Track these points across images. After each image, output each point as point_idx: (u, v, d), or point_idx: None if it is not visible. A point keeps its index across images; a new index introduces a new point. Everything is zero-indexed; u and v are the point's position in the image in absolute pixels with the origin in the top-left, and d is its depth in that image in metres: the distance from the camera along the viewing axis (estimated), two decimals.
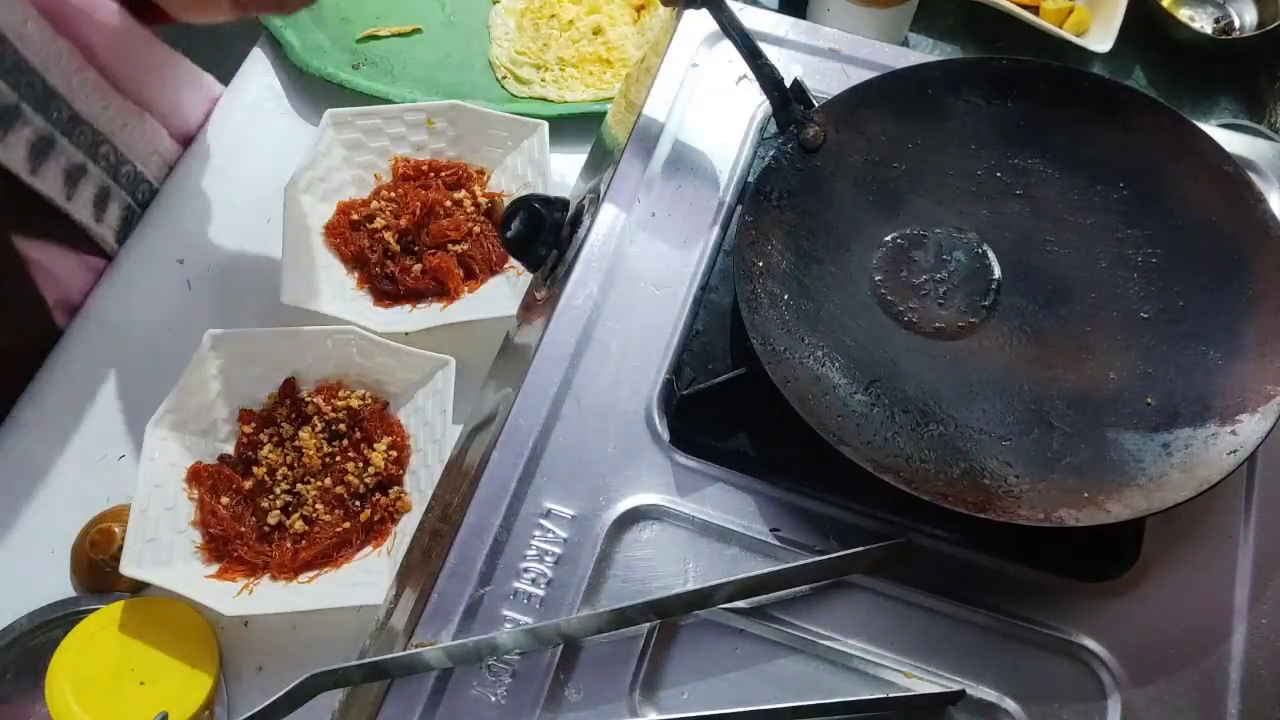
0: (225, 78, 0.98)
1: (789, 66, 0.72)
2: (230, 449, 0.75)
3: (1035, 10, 0.98)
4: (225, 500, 0.71)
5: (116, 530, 0.69)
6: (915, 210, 0.67)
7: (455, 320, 0.79)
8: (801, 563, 0.55)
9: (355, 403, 0.76)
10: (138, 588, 0.67)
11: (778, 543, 0.57)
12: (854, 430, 0.58)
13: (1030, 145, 0.68)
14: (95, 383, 0.80)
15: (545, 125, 0.86)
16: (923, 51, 0.97)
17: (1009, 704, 0.53)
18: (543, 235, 0.64)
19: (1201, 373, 0.60)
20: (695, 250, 0.64)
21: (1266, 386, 0.57)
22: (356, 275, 0.84)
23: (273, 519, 0.70)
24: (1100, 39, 0.94)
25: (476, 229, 0.85)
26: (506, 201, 0.83)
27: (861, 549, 0.55)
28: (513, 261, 0.83)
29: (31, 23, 0.72)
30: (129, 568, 0.64)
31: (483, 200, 0.86)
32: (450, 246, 0.84)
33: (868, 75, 0.69)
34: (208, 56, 0.98)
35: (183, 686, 0.62)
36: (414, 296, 0.83)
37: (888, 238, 0.66)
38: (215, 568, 0.68)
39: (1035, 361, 0.62)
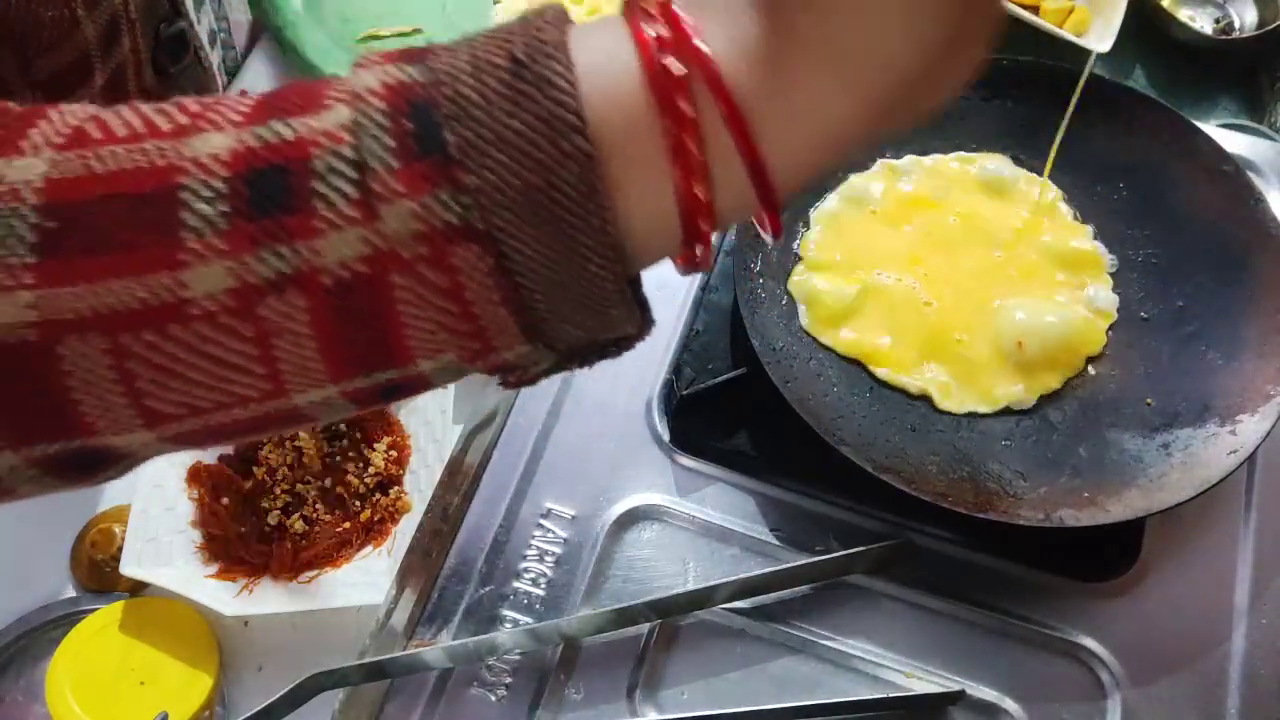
0: None
1: None
2: (230, 449, 0.75)
3: (1035, 10, 0.98)
4: (225, 500, 0.71)
5: (116, 530, 0.68)
6: None
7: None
8: (801, 563, 0.55)
9: None
10: (138, 588, 0.67)
11: (778, 543, 0.57)
12: (854, 430, 0.58)
13: (1030, 145, 0.68)
14: None
15: None
16: None
17: (1009, 704, 0.53)
18: None
19: (1201, 373, 0.60)
20: None
21: (1266, 386, 0.57)
22: None
23: (273, 519, 0.70)
24: (1100, 39, 0.94)
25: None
26: None
27: (861, 549, 0.55)
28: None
29: None
30: (129, 568, 0.64)
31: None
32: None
33: None
34: None
35: (183, 686, 0.62)
36: None
37: None
38: (215, 568, 0.68)
39: None
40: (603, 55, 0.27)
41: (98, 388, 0.28)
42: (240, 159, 0.27)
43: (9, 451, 0.29)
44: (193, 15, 0.78)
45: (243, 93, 0.29)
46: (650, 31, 0.27)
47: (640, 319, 0.30)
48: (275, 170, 0.27)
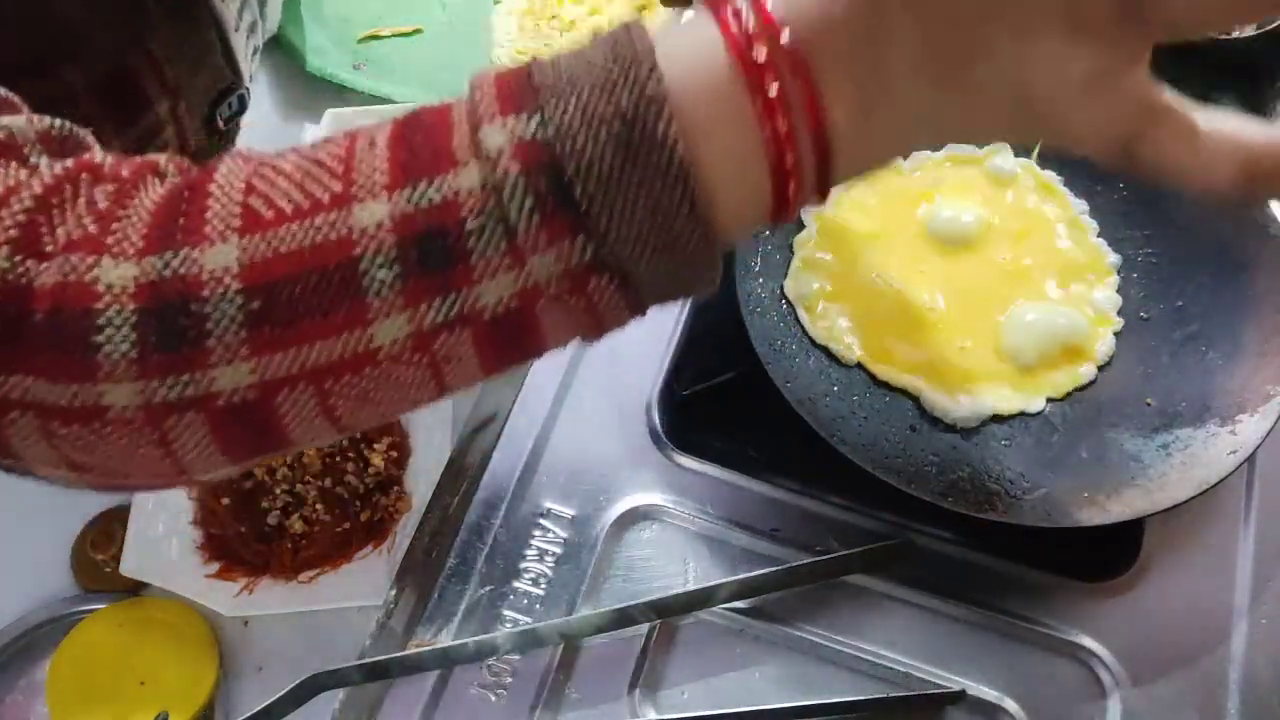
0: None
1: None
2: None
3: None
4: (225, 500, 0.71)
5: (116, 530, 0.68)
6: None
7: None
8: (801, 563, 0.55)
9: None
10: (138, 588, 0.67)
11: (778, 543, 0.57)
12: (854, 430, 0.58)
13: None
14: None
15: None
16: None
17: (1009, 704, 0.53)
18: None
19: (1201, 373, 0.60)
20: None
21: (1266, 386, 0.57)
22: None
23: (273, 519, 0.70)
24: None
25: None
26: None
27: (861, 549, 0.55)
28: None
29: None
30: (129, 568, 0.64)
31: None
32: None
33: None
34: None
35: (183, 686, 0.62)
36: None
37: None
38: (215, 567, 0.68)
39: None
40: (697, 61, 0.31)
41: (306, 419, 0.34)
42: (401, 226, 0.31)
43: (230, 465, 0.36)
44: (246, 70, 0.71)
45: (371, 143, 0.33)
46: (733, 26, 0.31)
47: (719, 280, 0.35)
48: (434, 233, 0.31)
